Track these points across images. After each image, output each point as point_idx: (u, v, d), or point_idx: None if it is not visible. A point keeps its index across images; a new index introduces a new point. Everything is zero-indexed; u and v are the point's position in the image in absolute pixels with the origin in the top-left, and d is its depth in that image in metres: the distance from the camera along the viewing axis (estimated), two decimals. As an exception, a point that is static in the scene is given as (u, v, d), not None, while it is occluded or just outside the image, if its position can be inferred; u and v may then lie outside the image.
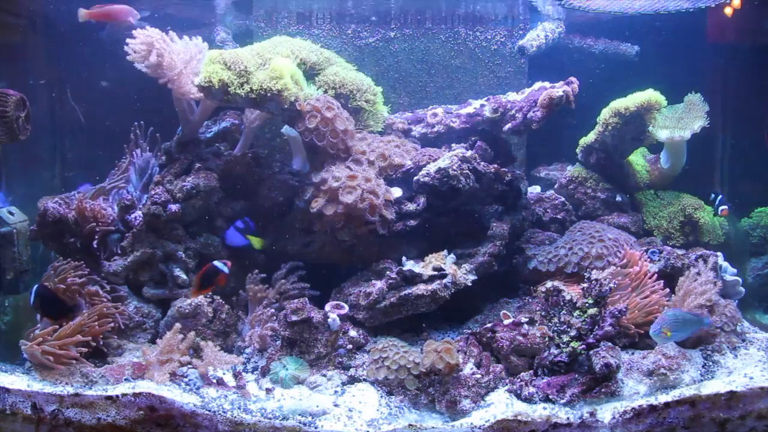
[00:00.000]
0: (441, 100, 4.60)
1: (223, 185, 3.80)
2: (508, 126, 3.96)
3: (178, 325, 3.23)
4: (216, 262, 3.19)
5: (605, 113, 4.16)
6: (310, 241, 3.83)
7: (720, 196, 4.05)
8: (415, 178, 3.64)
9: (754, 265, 4.27)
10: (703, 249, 3.81)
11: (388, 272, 3.47)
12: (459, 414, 2.90)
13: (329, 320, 3.29)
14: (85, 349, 3.07)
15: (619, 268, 3.44)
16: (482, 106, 4.06)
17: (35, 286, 3.12)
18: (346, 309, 3.39)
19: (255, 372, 3.26)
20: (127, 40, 3.70)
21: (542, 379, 2.99)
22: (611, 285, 3.16)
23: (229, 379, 3.14)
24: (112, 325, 3.26)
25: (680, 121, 4.20)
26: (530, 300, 3.56)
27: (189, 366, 3.14)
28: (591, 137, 4.31)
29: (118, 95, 4.44)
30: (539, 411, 2.82)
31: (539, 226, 4.08)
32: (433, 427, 2.79)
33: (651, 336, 2.93)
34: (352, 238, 3.63)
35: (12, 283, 3.68)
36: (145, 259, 3.59)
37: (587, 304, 3.13)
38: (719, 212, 4.05)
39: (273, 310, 3.52)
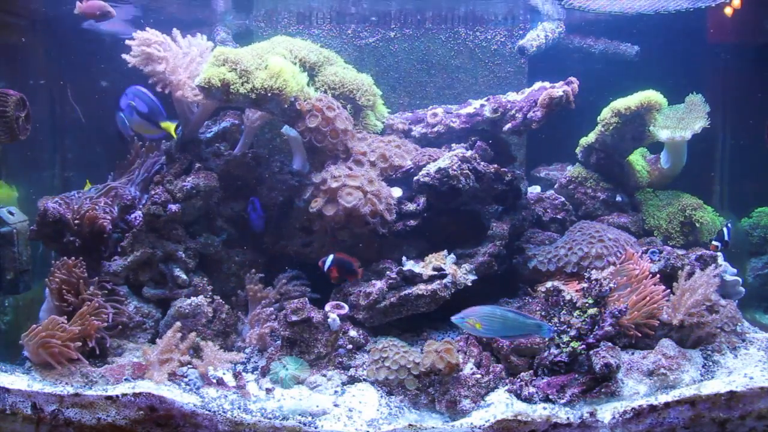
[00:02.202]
0: (441, 100, 4.60)
1: (223, 185, 3.80)
2: (508, 126, 3.96)
3: (178, 324, 3.23)
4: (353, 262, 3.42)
5: (605, 113, 4.16)
6: (310, 241, 3.83)
7: (727, 229, 3.93)
8: (415, 178, 3.64)
9: (754, 265, 4.27)
10: (702, 249, 3.81)
11: (388, 272, 3.48)
12: (459, 414, 2.90)
13: (329, 320, 3.29)
14: (79, 344, 3.06)
15: (619, 268, 3.44)
16: (482, 106, 4.06)
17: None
18: (346, 309, 3.39)
19: (255, 372, 3.26)
20: (127, 41, 3.71)
21: (542, 379, 2.99)
22: (611, 285, 3.16)
23: (229, 379, 3.14)
24: (102, 322, 3.24)
25: (681, 122, 4.20)
26: (530, 300, 3.56)
27: (189, 366, 3.15)
28: (591, 137, 4.31)
29: (118, 95, 4.43)
30: (539, 411, 2.82)
31: (539, 226, 4.08)
32: (433, 427, 2.79)
33: (453, 320, 2.86)
34: (352, 238, 3.63)
35: (12, 283, 3.68)
36: (145, 259, 3.59)
37: (587, 304, 3.13)
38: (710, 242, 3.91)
39: (272, 310, 3.52)
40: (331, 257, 3.40)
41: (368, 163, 3.76)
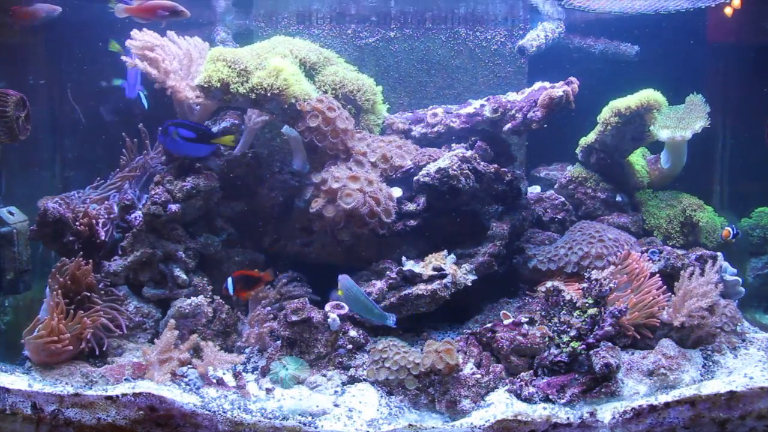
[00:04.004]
0: (441, 100, 4.60)
1: (223, 185, 3.80)
2: (508, 126, 3.96)
3: (172, 322, 3.21)
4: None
5: (605, 113, 4.16)
6: (310, 241, 3.83)
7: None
8: (415, 178, 3.64)
9: (754, 265, 4.27)
10: (702, 249, 3.82)
11: (388, 272, 3.48)
12: (459, 414, 2.90)
13: (329, 320, 3.29)
14: (67, 335, 3.05)
15: (619, 268, 3.44)
16: (482, 106, 4.06)
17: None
18: (346, 309, 3.38)
19: (255, 372, 3.27)
20: (126, 43, 3.71)
21: (542, 379, 2.99)
22: (611, 285, 3.16)
23: (229, 379, 3.14)
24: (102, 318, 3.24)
25: (681, 121, 4.20)
26: (530, 300, 3.56)
27: (189, 366, 3.15)
28: (591, 137, 4.31)
29: (118, 95, 4.43)
30: (539, 411, 2.82)
31: (539, 226, 4.08)
32: (433, 427, 2.79)
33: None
34: (352, 238, 3.63)
35: (12, 283, 3.68)
36: (145, 259, 3.59)
37: (587, 304, 3.13)
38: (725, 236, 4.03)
39: (270, 309, 3.52)
40: (230, 281, 3.27)
41: (368, 163, 3.76)
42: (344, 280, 3.20)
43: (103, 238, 3.54)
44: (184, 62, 3.78)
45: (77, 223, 3.49)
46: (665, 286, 3.34)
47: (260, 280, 3.34)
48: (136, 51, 3.71)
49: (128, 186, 3.87)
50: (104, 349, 3.19)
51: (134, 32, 3.71)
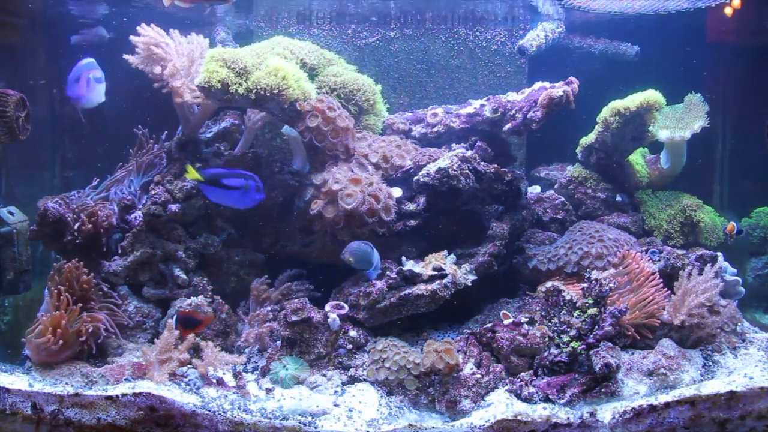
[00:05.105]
0: (441, 100, 4.60)
1: (223, 185, 3.79)
2: (508, 126, 3.96)
3: (170, 322, 3.22)
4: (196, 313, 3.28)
5: (605, 113, 4.16)
6: (310, 241, 3.83)
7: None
8: (415, 178, 3.64)
9: (754, 265, 4.27)
10: (703, 249, 3.82)
11: (388, 272, 3.48)
12: (459, 414, 2.90)
13: (329, 320, 3.29)
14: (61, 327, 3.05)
15: (619, 268, 3.44)
16: (482, 106, 4.07)
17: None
18: (346, 309, 3.39)
19: (255, 372, 3.27)
20: (131, 38, 3.71)
21: (542, 379, 2.99)
22: (611, 285, 3.16)
23: (229, 379, 3.14)
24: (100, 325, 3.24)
25: (680, 121, 4.20)
26: (530, 300, 3.57)
27: (189, 366, 3.15)
28: (591, 137, 4.32)
29: (118, 95, 4.43)
30: (539, 411, 2.82)
31: (539, 226, 4.08)
32: (433, 427, 2.79)
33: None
34: (352, 238, 3.63)
35: (12, 283, 3.68)
36: (145, 259, 3.59)
37: (587, 304, 3.13)
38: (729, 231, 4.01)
39: (269, 308, 3.52)
40: (174, 318, 3.22)
41: (368, 163, 3.76)
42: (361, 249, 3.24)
43: (107, 230, 3.53)
44: (185, 62, 3.78)
45: (79, 221, 3.49)
46: (665, 286, 3.34)
47: (201, 323, 3.28)
48: (141, 49, 3.70)
49: (128, 183, 3.87)
50: (99, 341, 3.19)
51: (141, 29, 3.72)
